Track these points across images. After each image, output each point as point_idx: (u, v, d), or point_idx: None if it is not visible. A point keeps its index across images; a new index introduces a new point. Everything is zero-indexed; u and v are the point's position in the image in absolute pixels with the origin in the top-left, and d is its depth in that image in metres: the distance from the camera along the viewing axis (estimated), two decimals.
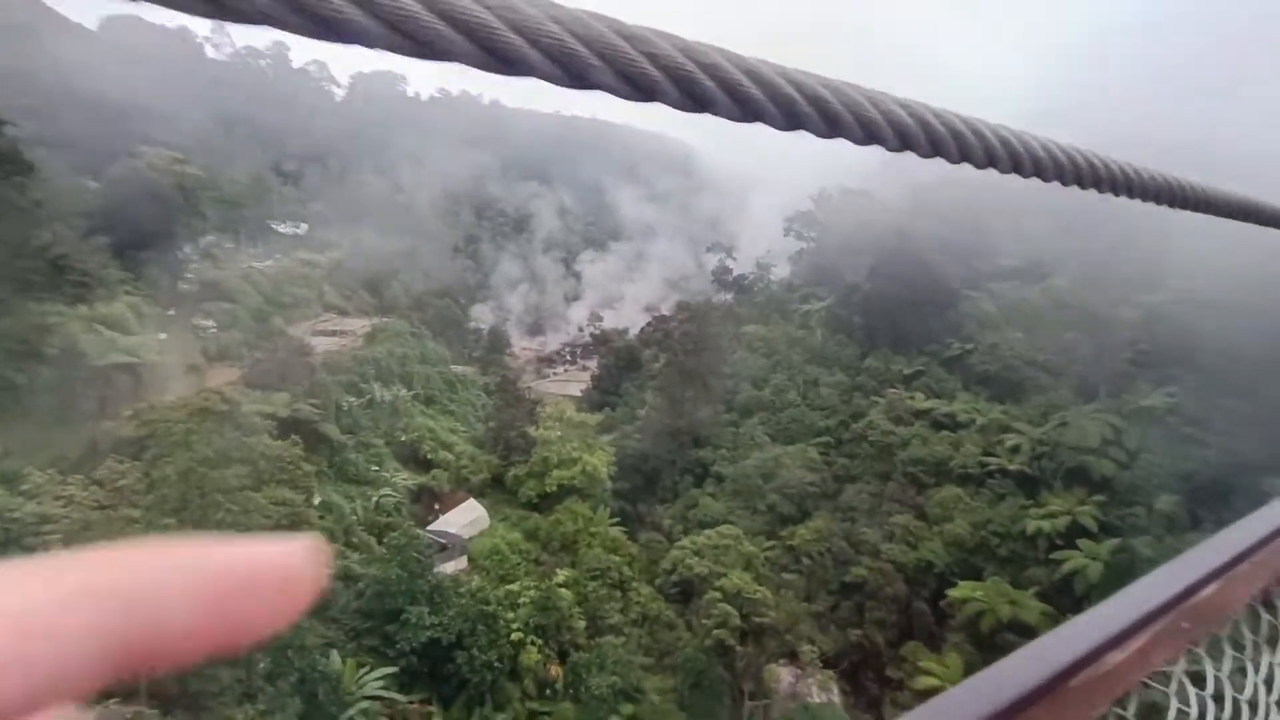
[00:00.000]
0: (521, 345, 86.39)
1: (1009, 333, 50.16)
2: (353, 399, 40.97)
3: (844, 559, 38.00)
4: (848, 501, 41.70)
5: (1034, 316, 50.75)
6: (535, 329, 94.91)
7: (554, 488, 36.74)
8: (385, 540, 30.03)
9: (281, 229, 70.04)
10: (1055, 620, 26.60)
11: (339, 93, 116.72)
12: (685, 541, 36.03)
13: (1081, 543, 35.66)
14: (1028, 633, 28.60)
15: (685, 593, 34.57)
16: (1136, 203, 0.93)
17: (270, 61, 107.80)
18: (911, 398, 47.64)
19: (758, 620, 30.33)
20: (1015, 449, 41.25)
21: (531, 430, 39.14)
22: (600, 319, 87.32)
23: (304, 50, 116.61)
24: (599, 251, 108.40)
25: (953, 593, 35.43)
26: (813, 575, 37.69)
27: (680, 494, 45.00)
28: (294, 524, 25.73)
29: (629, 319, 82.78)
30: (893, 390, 48.52)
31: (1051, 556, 35.96)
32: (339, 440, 36.55)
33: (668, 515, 42.83)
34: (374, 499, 34.92)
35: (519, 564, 31.79)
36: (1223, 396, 36.34)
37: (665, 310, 71.76)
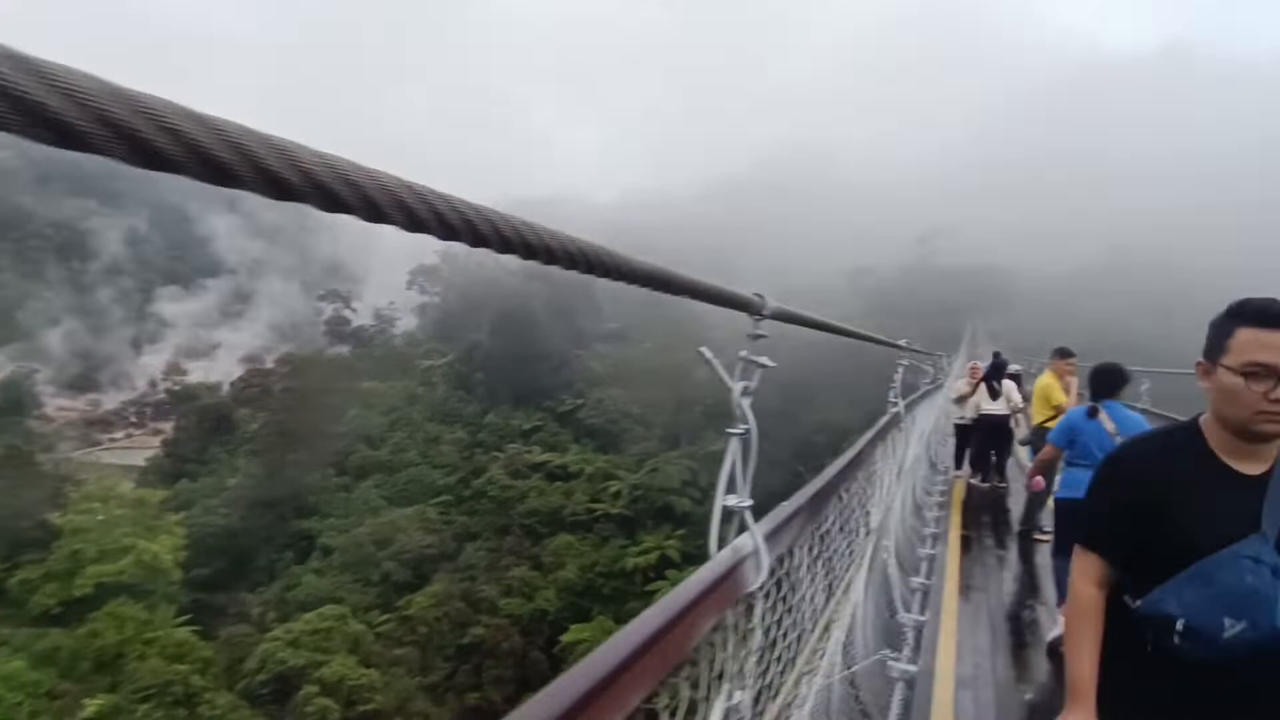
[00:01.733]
0: (59, 404, 67.20)
1: (611, 389, 56.19)
2: None
3: (462, 621, 37.14)
4: (467, 561, 41.16)
5: (630, 375, 57.79)
6: (83, 383, 74.74)
7: (88, 590, 28.53)
8: None
9: None
10: None
11: None
12: (279, 631, 31.18)
13: (669, 573, 40.93)
14: None
15: (282, 691, 29.71)
16: None
17: None
18: (530, 451, 49.82)
19: (363, 709, 27.49)
20: (617, 494, 45.82)
21: (54, 517, 30.04)
22: (183, 372, 73.11)
23: None
24: (185, 290, 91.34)
25: (565, 637, 37.22)
26: (429, 644, 35.92)
27: (278, 574, 39.19)
28: None
29: (225, 372, 70.70)
30: (512, 445, 50.17)
31: (646, 589, 40.40)
32: None
33: (260, 602, 36.78)
34: None
35: (20, 704, 23.44)
36: (759, 440, 45.81)
37: (270, 363, 63.47)
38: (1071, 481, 4.54)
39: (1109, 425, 4.48)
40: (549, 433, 53.88)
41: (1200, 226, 73.70)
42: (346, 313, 78.02)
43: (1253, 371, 1.51)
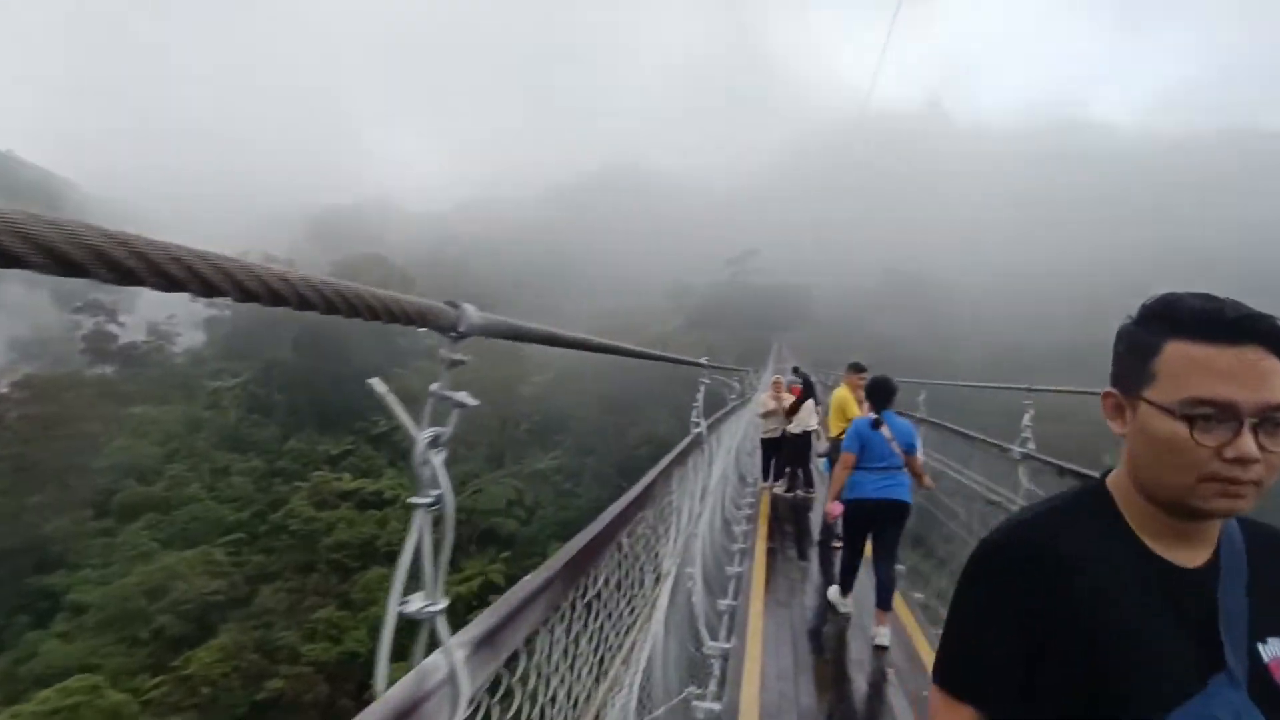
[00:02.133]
0: None
1: None
2: None
3: (257, 673, 32.93)
4: (263, 605, 36.72)
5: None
6: None
7: None
8: None
9: None
10: None
11: None
12: (6, 715, 25.63)
13: (493, 598, 39.15)
14: None
15: None
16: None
17: None
18: (339, 479, 45.80)
19: None
20: None
21: None
22: None
23: None
24: None
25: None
26: (215, 705, 31.42)
27: (7, 644, 32.35)
28: None
29: None
30: (318, 472, 45.81)
31: (467, 618, 38.41)
32: None
33: None
34: None
35: None
36: (584, 456, 45.90)
37: (3, 387, 52.83)
38: (853, 483, 4.86)
39: (887, 433, 4.87)
40: (361, 457, 49.97)
41: (959, 250, 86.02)
42: (112, 328, 67.08)
43: (1199, 414, 0.90)
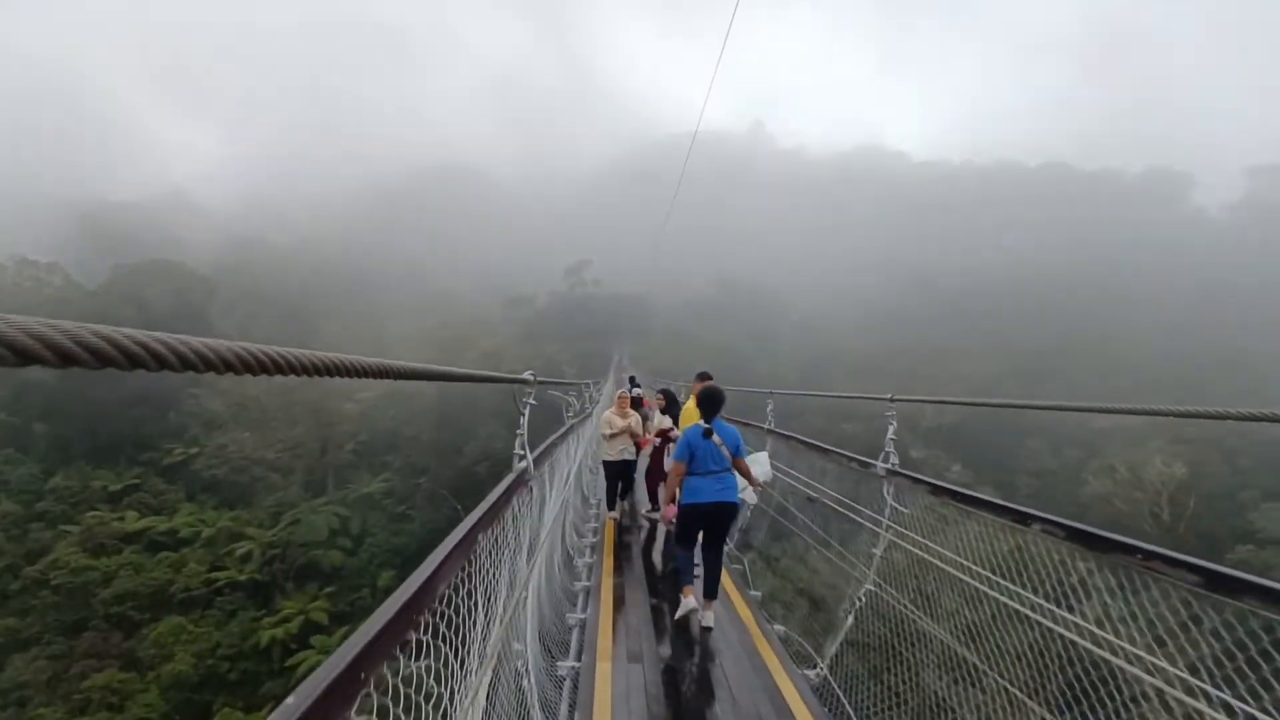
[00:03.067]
0: None
1: (238, 432, 47.84)
2: None
3: None
4: (14, 680, 30.60)
5: (262, 414, 50.04)
6: None
7: None
8: None
9: None
10: None
11: None
12: None
13: (315, 639, 35.58)
14: None
15: None
16: None
17: None
18: (121, 519, 39.50)
19: None
20: (246, 557, 38.76)
21: None
22: None
23: None
24: None
25: None
26: None
27: None
28: None
29: None
30: (94, 513, 39.17)
31: (286, 664, 34.60)
32: None
33: None
34: None
35: None
36: (417, 476, 43.22)
37: None
38: (689, 488, 5.13)
39: (718, 439, 5.16)
40: (151, 492, 43.51)
41: (785, 261, 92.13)
42: None
43: None
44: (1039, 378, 57.30)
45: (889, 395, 4.94)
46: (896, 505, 4.45)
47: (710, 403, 5.32)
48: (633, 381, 16.39)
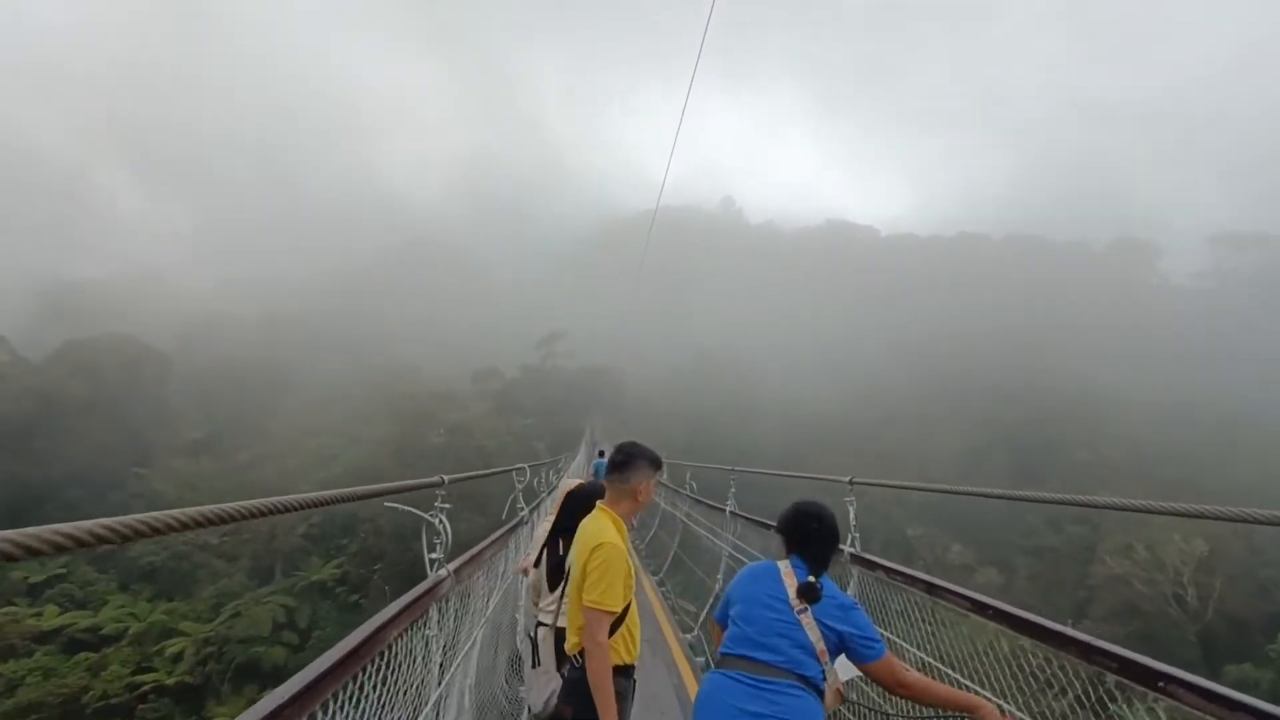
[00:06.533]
0: None
1: None
2: None
3: None
4: None
5: (212, 496, 46.90)
6: None
7: None
8: None
9: None
10: None
11: None
12: None
13: None
14: None
15: None
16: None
17: None
18: (38, 614, 35.86)
19: None
20: (178, 656, 35.12)
21: None
22: None
23: None
24: None
25: None
26: None
27: None
28: None
29: None
30: (9, 609, 35.52)
31: None
32: None
33: None
34: None
35: None
36: (374, 561, 40.27)
37: None
38: (702, 692, 3.25)
39: (795, 599, 3.27)
40: (78, 582, 39.92)
41: (761, 333, 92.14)
42: None
43: None
44: (1029, 450, 56.31)
45: (848, 478, 4.60)
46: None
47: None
48: (602, 455, 14.91)
